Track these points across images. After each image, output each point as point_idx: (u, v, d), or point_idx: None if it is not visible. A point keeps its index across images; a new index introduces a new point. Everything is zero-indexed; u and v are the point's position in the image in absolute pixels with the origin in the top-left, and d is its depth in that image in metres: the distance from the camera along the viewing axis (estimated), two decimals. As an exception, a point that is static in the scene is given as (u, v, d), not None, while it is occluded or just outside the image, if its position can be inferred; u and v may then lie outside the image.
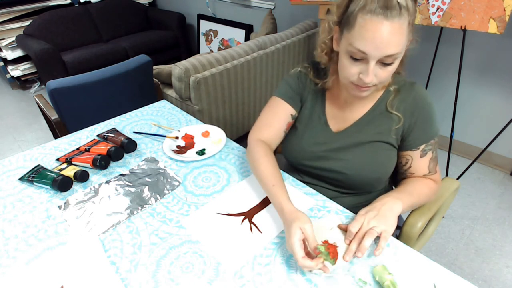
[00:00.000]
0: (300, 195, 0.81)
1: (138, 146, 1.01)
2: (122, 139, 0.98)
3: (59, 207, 0.79)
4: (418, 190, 0.78)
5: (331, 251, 0.61)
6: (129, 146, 0.98)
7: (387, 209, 0.68)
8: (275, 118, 0.87)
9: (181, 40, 3.57)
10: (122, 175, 0.89)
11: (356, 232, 0.65)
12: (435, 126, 0.78)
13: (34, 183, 0.86)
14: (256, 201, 0.80)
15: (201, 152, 0.97)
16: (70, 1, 3.35)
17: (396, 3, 0.60)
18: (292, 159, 0.90)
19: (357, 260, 0.65)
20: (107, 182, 0.87)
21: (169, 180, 0.87)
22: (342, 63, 0.70)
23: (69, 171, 0.86)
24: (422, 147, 0.78)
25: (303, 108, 0.89)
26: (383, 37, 0.61)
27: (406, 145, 0.79)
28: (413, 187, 0.79)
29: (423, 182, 0.80)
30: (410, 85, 0.78)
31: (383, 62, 0.65)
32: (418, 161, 0.79)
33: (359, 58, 0.66)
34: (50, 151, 1.00)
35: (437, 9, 1.44)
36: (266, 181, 0.77)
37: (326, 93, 0.87)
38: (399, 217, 1.02)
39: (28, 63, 3.16)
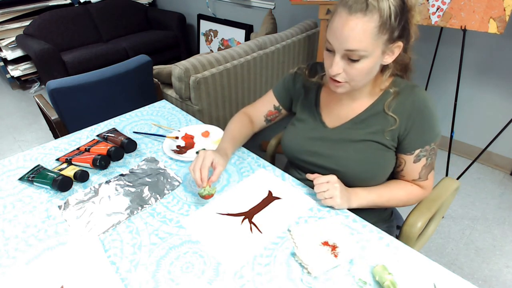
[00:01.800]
0: (300, 195, 0.81)
1: (138, 146, 1.01)
2: (122, 139, 0.98)
3: (59, 207, 0.79)
4: (391, 194, 0.82)
5: (207, 196, 0.77)
6: (129, 146, 0.98)
7: (346, 195, 0.76)
8: (261, 104, 1.01)
9: (181, 40, 3.57)
10: (122, 175, 0.89)
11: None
12: (434, 131, 0.76)
13: (34, 183, 0.86)
14: (256, 201, 0.80)
15: (201, 152, 0.97)
16: (70, 1, 3.35)
17: (364, 1, 0.63)
18: (289, 154, 0.92)
19: (357, 260, 0.65)
20: (107, 182, 0.87)
21: (169, 180, 0.87)
22: (324, 55, 0.75)
23: (69, 171, 0.86)
24: (416, 152, 0.77)
25: (298, 106, 0.93)
26: (344, 30, 0.65)
27: (401, 148, 0.79)
28: (389, 189, 0.82)
29: (405, 187, 0.83)
30: (411, 88, 0.77)
31: (349, 58, 0.68)
32: (411, 165, 0.80)
33: (330, 49, 0.71)
34: (50, 151, 1.00)
35: (437, 9, 1.44)
36: (226, 133, 0.94)
37: (324, 91, 0.89)
38: (399, 217, 1.02)
39: (28, 63, 3.16)
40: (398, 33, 0.67)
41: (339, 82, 0.73)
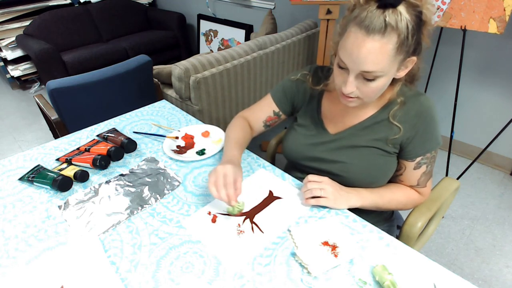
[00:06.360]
0: (300, 195, 0.81)
1: (138, 146, 1.01)
2: (122, 139, 0.98)
3: (59, 207, 0.79)
4: (392, 196, 0.82)
5: (238, 214, 0.75)
6: (129, 146, 0.98)
7: (345, 195, 0.76)
8: (259, 109, 0.98)
9: (181, 40, 3.58)
10: (122, 175, 0.89)
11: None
12: (435, 140, 0.76)
13: (34, 183, 0.86)
14: (257, 201, 0.80)
15: (201, 152, 0.97)
16: (70, 1, 3.35)
17: (382, 22, 0.60)
18: (291, 159, 0.92)
19: (357, 260, 0.65)
20: (107, 182, 0.87)
21: (169, 180, 0.87)
22: (334, 70, 0.73)
23: (69, 171, 0.86)
24: (418, 159, 0.78)
25: (301, 112, 0.92)
26: (361, 52, 0.62)
27: (403, 154, 0.79)
28: (390, 191, 0.82)
29: (405, 190, 0.83)
30: (416, 96, 0.76)
31: (364, 77, 0.66)
32: (411, 172, 0.80)
33: (343, 67, 0.68)
34: (50, 151, 1.00)
35: (437, 9, 1.44)
36: (230, 139, 0.89)
37: (326, 96, 0.88)
38: (399, 217, 1.02)
39: (28, 63, 3.16)
40: (413, 48, 0.66)
41: (351, 97, 0.72)
